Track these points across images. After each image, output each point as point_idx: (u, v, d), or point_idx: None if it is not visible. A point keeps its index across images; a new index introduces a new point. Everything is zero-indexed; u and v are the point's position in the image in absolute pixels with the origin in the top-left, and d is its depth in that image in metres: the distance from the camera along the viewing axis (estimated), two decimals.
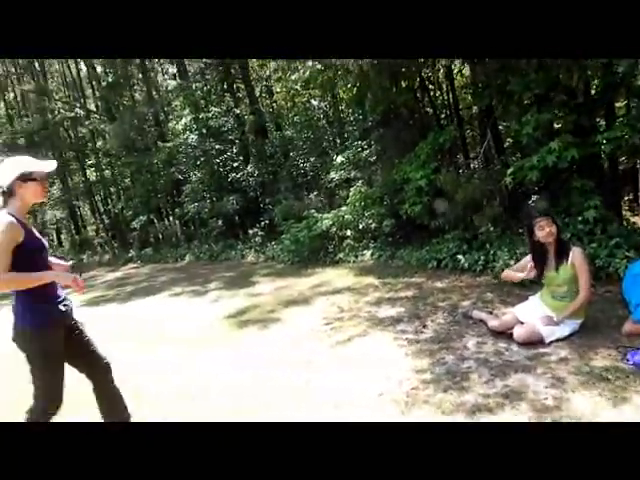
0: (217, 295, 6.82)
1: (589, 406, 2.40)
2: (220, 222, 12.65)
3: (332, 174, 8.90)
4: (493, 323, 3.58)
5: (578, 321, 3.32)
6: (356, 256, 7.65)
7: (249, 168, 11.87)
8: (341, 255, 7.82)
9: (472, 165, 7.33)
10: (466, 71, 8.05)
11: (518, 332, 3.29)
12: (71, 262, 2.74)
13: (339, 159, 8.74)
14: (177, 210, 14.03)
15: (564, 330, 3.27)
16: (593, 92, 5.81)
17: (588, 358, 2.93)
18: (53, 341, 2.32)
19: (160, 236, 15.59)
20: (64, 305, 2.40)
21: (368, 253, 7.58)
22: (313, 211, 9.12)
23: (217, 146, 12.27)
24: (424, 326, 4.01)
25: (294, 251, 8.36)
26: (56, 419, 2.35)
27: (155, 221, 15.95)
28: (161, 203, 15.44)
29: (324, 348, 3.86)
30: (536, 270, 3.41)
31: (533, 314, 3.38)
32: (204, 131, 12.32)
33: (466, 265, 5.58)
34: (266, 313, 5.27)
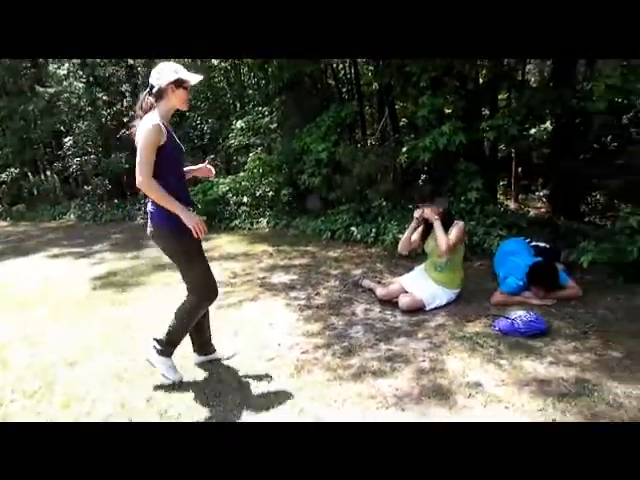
0: (100, 258, 6.39)
1: (460, 367, 2.64)
2: (106, 181, 11.75)
3: (231, 139, 8.64)
4: (380, 291, 3.77)
5: (455, 291, 3.62)
6: (252, 223, 7.59)
7: None
8: (237, 222, 7.71)
9: (369, 141, 7.55)
10: None
11: (403, 300, 3.52)
12: (207, 162, 2.90)
13: (239, 124, 8.49)
14: (56, 164, 12.73)
15: (443, 299, 3.55)
16: (481, 81, 6.24)
17: (462, 324, 3.21)
18: (189, 238, 2.41)
19: (35, 192, 14.09)
20: (192, 210, 2.53)
21: (264, 221, 7.55)
22: None
23: (105, 97, 11.27)
24: (316, 293, 4.11)
25: None
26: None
27: (29, 175, 14.38)
28: (37, 155, 13.89)
29: (215, 312, 3.78)
30: (419, 240, 3.71)
31: (417, 284, 3.62)
32: (91, 79, 11.26)
33: (358, 237, 5.79)
34: (150, 275, 5.07)
